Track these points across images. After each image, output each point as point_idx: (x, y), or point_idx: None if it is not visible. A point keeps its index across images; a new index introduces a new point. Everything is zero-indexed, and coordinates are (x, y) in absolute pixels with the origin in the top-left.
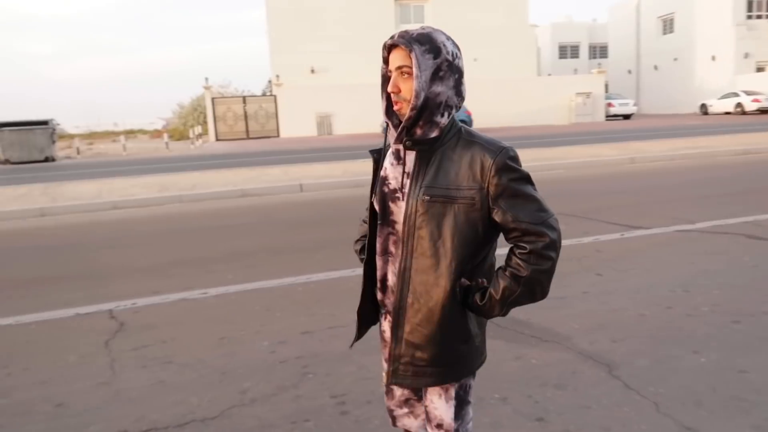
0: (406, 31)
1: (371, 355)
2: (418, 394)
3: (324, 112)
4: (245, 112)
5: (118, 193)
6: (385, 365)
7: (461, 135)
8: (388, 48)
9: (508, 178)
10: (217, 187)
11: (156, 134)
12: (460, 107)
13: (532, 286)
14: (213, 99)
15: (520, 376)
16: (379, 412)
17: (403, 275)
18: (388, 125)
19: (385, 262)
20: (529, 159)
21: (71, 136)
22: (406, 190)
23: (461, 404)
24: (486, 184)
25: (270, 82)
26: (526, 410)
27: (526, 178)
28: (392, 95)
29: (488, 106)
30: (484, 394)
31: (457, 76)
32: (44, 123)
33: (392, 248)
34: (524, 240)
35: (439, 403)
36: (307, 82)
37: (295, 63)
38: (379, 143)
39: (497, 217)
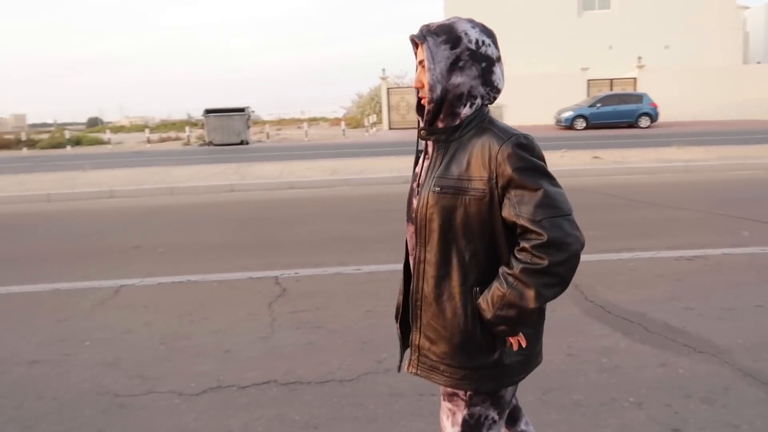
0: (426, 24)
1: None
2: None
3: (496, 103)
4: None
5: (296, 174)
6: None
7: (482, 125)
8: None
9: (514, 167)
10: (383, 172)
11: (335, 122)
12: (491, 97)
13: (522, 290)
14: (388, 89)
15: (662, 384)
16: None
17: (418, 268)
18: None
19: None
20: (718, 156)
21: (263, 123)
22: (428, 183)
23: (472, 428)
24: (494, 174)
25: None
26: (661, 418)
27: (537, 169)
28: (419, 90)
29: (682, 97)
30: (617, 396)
31: (484, 64)
32: (241, 110)
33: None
34: (523, 238)
35: (446, 423)
36: None
37: None
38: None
39: (504, 210)
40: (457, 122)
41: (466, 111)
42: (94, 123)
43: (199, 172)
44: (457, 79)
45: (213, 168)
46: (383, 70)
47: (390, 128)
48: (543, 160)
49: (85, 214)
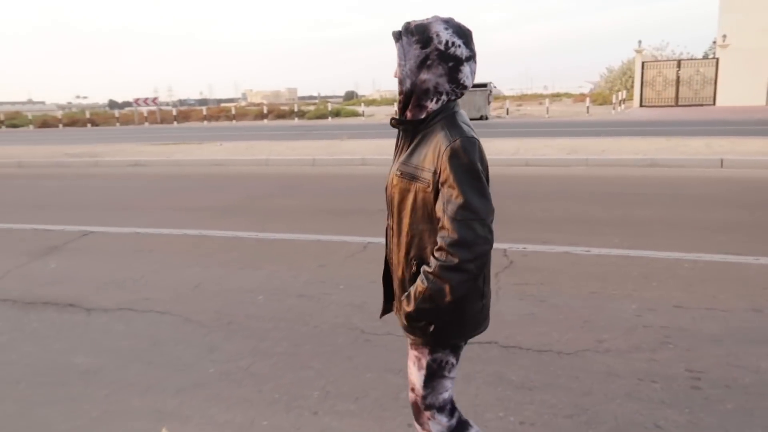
0: (408, 22)
1: (746, 346)
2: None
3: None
4: (677, 77)
5: (532, 152)
6: None
7: (447, 120)
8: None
9: (452, 165)
10: (625, 154)
11: (579, 98)
12: (458, 93)
13: (436, 286)
14: (643, 63)
15: None
16: (740, 400)
17: (387, 233)
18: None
19: None
20: None
21: (504, 98)
22: (394, 165)
23: (432, 375)
24: (438, 170)
25: (714, 43)
26: None
27: (471, 171)
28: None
29: None
30: None
31: (451, 64)
32: (483, 86)
33: None
34: (440, 233)
35: (413, 369)
36: (761, 44)
37: (748, 22)
38: None
39: (437, 204)
40: (424, 115)
41: (432, 105)
42: (350, 96)
43: None
44: (424, 75)
45: None
46: (639, 42)
47: (641, 105)
48: (481, 164)
49: (341, 178)
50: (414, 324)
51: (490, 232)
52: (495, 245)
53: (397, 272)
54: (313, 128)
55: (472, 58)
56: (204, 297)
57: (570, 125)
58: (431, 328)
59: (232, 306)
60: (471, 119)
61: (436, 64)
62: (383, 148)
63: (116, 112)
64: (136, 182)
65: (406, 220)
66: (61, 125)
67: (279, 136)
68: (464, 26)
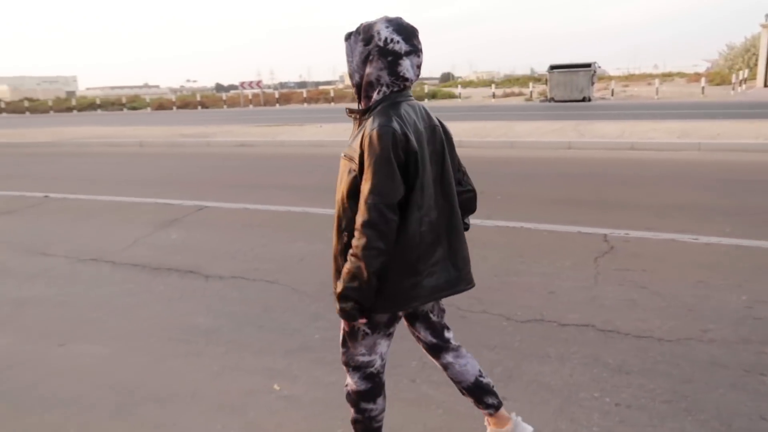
0: (361, 24)
1: None
2: None
3: None
4: None
5: (638, 135)
6: None
7: (386, 108)
8: None
9: (368, 151)
10: (744, 138)
11: (693, 78)
12: (399, 84)
13: (355, 265)
14: None
15: None
16: None
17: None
18: None
19: None
20: None
21: (609, 78)
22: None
23: (346, 339)
24: (363, 153)
25: None
26: None
27: (380, 157)
28: None
29: None
30: None
31: (390, 58)
32: (587, 66)
33: None
34: (358, 213)
35: (340, 327)
36: None
37: None
38: None
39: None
40: (370, 104)
41: (375, 96)
42: (446, 78)
43: (538, 127)
44: (367, 69)
45: (552, 124)
46: (766, 15)
47: (765, 85)
48: (394, 150)
49: None
50: (343, 304)
51: (394, 213)
52: (595, 230)
53: (332, 245)
54: None
55: (412, 52)
56: (308, 269)
57: (682, 107)
58: (347, 306)
59: None
60: (572, 101)
61: (377, 58)
62: (479, 130)
63: (223, 95)
64: (243, 161)
65: (339, 196)
66: (174, 107)
67: None
68: (406, 24)
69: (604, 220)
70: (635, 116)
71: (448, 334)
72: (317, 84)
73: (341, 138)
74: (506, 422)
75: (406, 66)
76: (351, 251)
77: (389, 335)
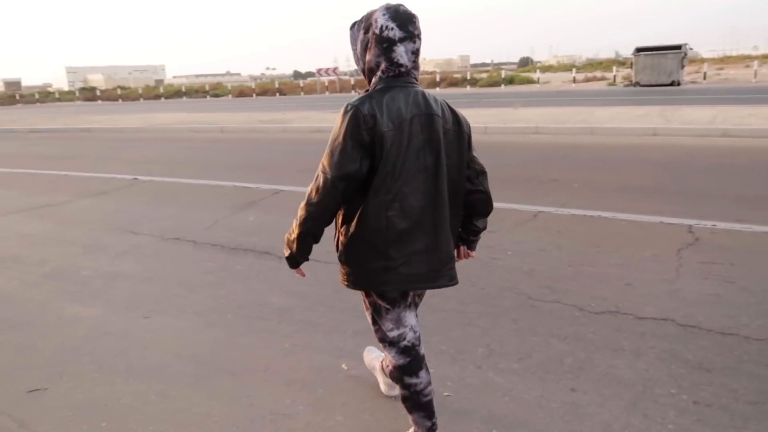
0: (366, 13)
1: None
2: None
3: None
4: None
5: (732, 121)
6: None
7: (379, 92)
8: None
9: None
10: None
11: None
12: (394, 69)
13: (296, 217)
14: None
15: None
16: None
17: None
18: None
19: None
20: None
21: (702, 61)
22: None
23: (373, 316)
24: None
25: None
26: None
27: (336, 132)
28: None
29: None
30: None
31: (385, 45)
32: (677, 48)
33: None
34: None
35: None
36: None
37: None
38: None
39: None
40: (368, 89)
41: (374, 80)
42: (525, 63)
43: (621, 113)
44: (367, 57)
45: (636, 110)
46: None
47: None
48: (355, 129)
49: (513, 146)
50: (284, 250)
51: (333, 186)
52: (679, 220)
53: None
54: (485, 96)
55: (407, 38)
56: None
57: None
58: (286, 253)
59: None
60: (659, 85)
61: (374, 45)
62: (558, 116)
63: (301, 82)
64: (319, 146)
65: None
66: (254, 94)
67: (451, 104)
68: (403, 11)
69: (689, 211)
70: (729, 101)
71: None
72: None
73: None
74: None
75: (399, 52)
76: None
77: (410, 306)
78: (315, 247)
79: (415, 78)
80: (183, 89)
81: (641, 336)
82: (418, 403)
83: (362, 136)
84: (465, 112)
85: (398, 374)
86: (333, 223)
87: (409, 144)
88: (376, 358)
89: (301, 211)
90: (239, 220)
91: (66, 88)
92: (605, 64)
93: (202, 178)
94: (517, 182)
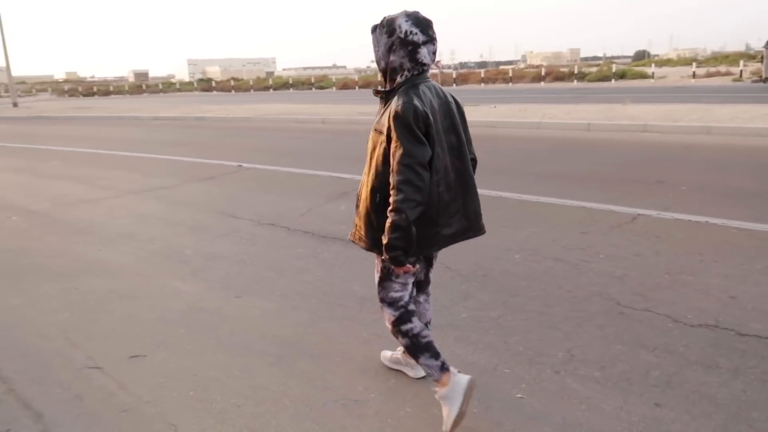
0: (384, 18)
1: None
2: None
3: None
4: None
5: None
6: None
7: (408, 89)
8: None
9: (394, 124)
10: None
11: None
12: (418, 69)
13: (396, 217)
14: None
15: None
16: None
17: (363, 177)
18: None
19: None
20: None
21: None
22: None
23: (384, 277)
24: (390, 126)
25: None
26: None
27: (406, 127)
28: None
29: None
30: None
31: (410, 48)
32: None
33: None
34: (392, 174)
35: (375, 274)
36: None
37: None
38: None
39: (391, 150)
40: (394, 86)
41: (399, 79)
42: (640, 56)
43: (744, 111)
44: (391, 57)
45: (763, 108)
46: None
47: None
48: (416, 122)
49: (618, 144)
50: (392, 253)
51: (426, 170)
52: None
53: (364, 204)
54: (592, 91)
55: (428, 41)
56: (464, 249)
57: None
58: (394, 254)
59: (489, 261)
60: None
61: (399, 48)
62: (671, 113)
63: None
64: None
65: (373, 163)
66: (357, 87)
67: (555, 99)
68: (422, 18)
69: None
70: None
71: (431, 276)
72: (497, 64)
73: (514, 119)
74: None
75: (423, 53)
76: (391, 207)
77: (414, 273)
78: None
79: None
80: (290, 81)
81: (741, 354)
82: (419, 345)
83: (421, 128)
84: (569, 108)
85: (396, 326)
86: (368, 202)
87: (441, 129)
88: (394, 355)
89: (402, 206)
90: (331, 209)
91: (187, 79)
92: (732, 58)
93: (300, 167)
94: (617, 182)
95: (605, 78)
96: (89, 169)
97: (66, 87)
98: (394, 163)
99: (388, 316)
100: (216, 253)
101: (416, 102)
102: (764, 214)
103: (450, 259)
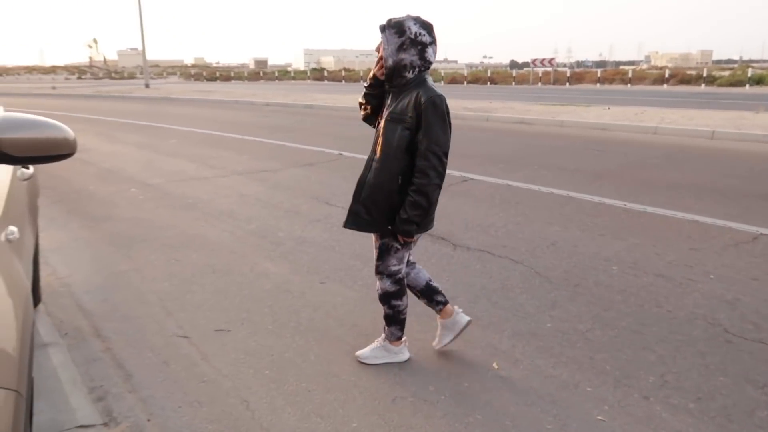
0: (389, 19)
1: None
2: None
3: None
4: None
5: None
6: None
7: (419, 83)
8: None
9: (429, 112)
10: None
11: None
12: (426, 66)
13: (419, 197)
14: None
15: None
16: None
17: (368, 163)
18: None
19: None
20: None
21: None
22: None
23: (383, 252)
24: (419, 114)
25: None
26: None
27: (439, 117)
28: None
29: None
30: None
31: (419, 47)
32: None
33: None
34: (419, 158)
35: (374, 251)
36: None
37: None
38: None
39: (418, 136)
40: (404, 81)
41: (410, 75)
42: None
43: None
44: (402, 55)
45: None
46: None
47: None
48: (447, 112)
49: (745, 155)
50: (408, 227)
51: (446, 158)
52: None
53: (384, 188)
54: (723, 96)
55: (433, 42)
56: (557, 255)
57: None
58: (411, 227)
59: (583, 270)
60: None
61: (410, 47)
62: None
63: (514, 72)
64: (518, 138)
65: (392, 150)
66: (465, 82)
67: (677, 103)
68: (426, 21)
69: None
70: None
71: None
72: (617, 64)
73: (629, 122)
74: (451, 313)
75: (430, 53)
76: (415, 188)
77: (410, 246)
78: (491, 238)
79: None
80: None
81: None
82: (397, 319)
83: (449, 118)
84: (691, 114)
85: (387, 298)
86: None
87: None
88: (374, 351)
89: (426, 189)
90: None
91: (302, 68)
92: None
93: None
94: (739, 197)
95: (738, 83)
96: (203, 148)
97: (192, 71)
98: (422, 148)
99: (386, 286)
100: (307, 237)
101: (441, 93)
102: None
103: (540, 264)
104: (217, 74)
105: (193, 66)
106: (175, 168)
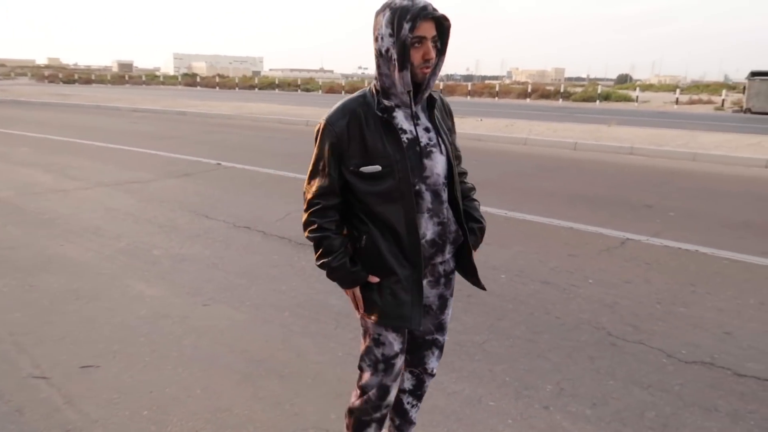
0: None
1: None
2: None
3: None
4: None
5: None
6: None
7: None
8: (424, 18)
9: (452, 117)
10: None
11: None
12: None
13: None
14: None
15: None
16: None
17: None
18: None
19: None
20: None
21: None
22: (433, 141)
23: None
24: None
25: None
26: None
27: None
28: (428, 62)
29: None
30: None
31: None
32: None
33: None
34: (460, 164)
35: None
36: None
37: None
38: None
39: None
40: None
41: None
42: (623, 80)
43: (729, 140)
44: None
45: (747, 138)
46: None
47: None
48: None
49: (604, 165)
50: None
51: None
52: None
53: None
54: (577, 111)
55: None
56: None
57: None
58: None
59: None
60: (762, 113)
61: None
62: (657, 138)
63: None
64: None
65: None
66: (343, 92)
67: (541, 116)
68: None
69: None
70: None
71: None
72: (483, 78)
73: (501, 134)
74: None
75: None
76: (475, 193)
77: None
78: None
79: None
80: (276, 82)
81: (740, 396)
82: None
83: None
84: (555, 126)
85: (348, 412)
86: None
87: None
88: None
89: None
90: None
91: (172, 73)
92: (713, 87)
93: (281, 169)
94: (606, 204)
95: (590, 99)
96: (61, 157)
97: (46, 72)
98: (458, 152)
99: (353, 397)
100: (186, 255)
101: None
102: (755, 245)
103: None
104: (76, 76)
105: (47, 66)
106: (27, 179)
